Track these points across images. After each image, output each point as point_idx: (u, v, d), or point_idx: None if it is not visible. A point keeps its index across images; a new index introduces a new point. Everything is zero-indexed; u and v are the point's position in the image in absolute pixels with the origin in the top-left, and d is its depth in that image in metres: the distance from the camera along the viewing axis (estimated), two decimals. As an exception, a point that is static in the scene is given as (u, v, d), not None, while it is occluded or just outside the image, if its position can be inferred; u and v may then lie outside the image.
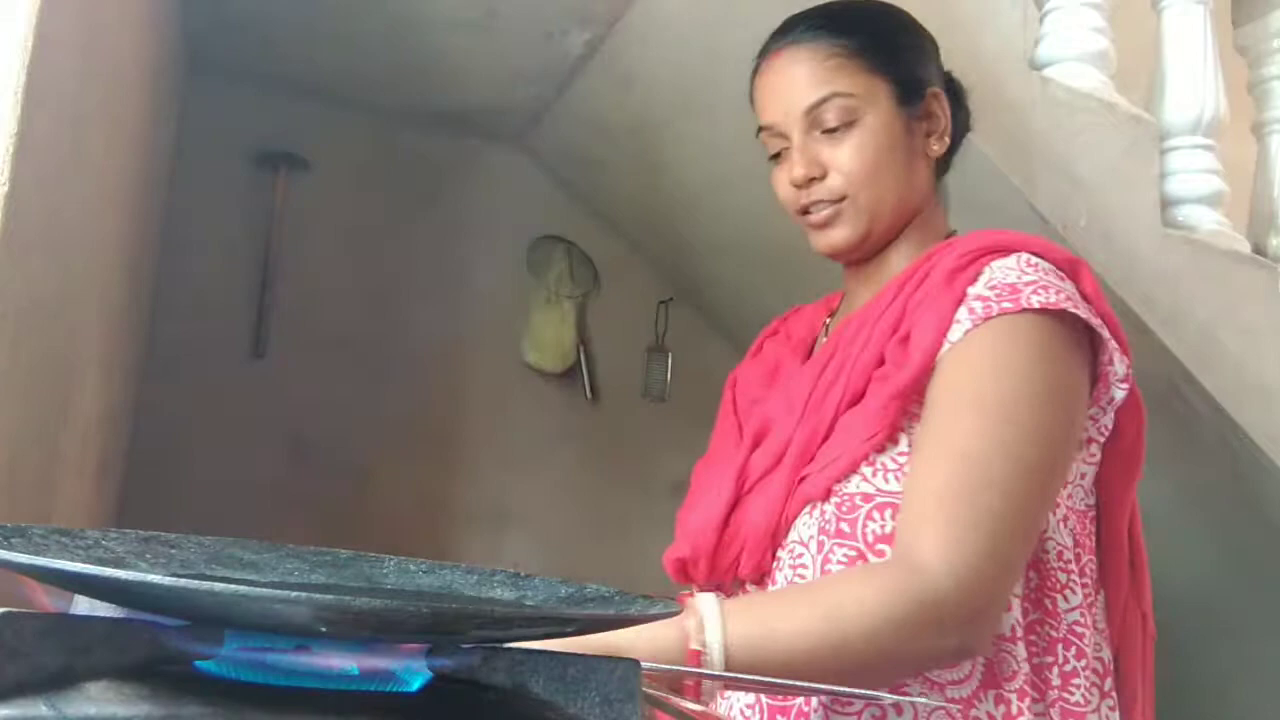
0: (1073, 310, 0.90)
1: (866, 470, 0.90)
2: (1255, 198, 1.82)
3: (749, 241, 2.15)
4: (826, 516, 0.90)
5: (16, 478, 0.98)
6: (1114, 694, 0.93)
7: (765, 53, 1.04)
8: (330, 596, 0.39)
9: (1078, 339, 0.92)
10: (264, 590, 0.38)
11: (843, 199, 0.98)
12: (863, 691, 0.84)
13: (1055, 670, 0.89)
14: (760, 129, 1.03)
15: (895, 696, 0.85)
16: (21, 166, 0.82)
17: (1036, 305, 0.88)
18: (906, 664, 0.84)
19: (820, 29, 1.00)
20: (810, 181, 0.99)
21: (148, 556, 0.54)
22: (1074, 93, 1.56)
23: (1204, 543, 1.70)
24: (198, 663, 0.43)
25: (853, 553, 0.88)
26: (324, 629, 0.39)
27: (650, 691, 0.60)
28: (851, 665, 0.79)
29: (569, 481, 2.47)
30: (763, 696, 0.90)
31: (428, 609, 0.42)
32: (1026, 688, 0.87)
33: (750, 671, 0.77)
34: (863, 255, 1.03)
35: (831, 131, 0.98)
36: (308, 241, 2.29)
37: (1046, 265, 0.94)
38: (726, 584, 1.00)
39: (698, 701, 0.87)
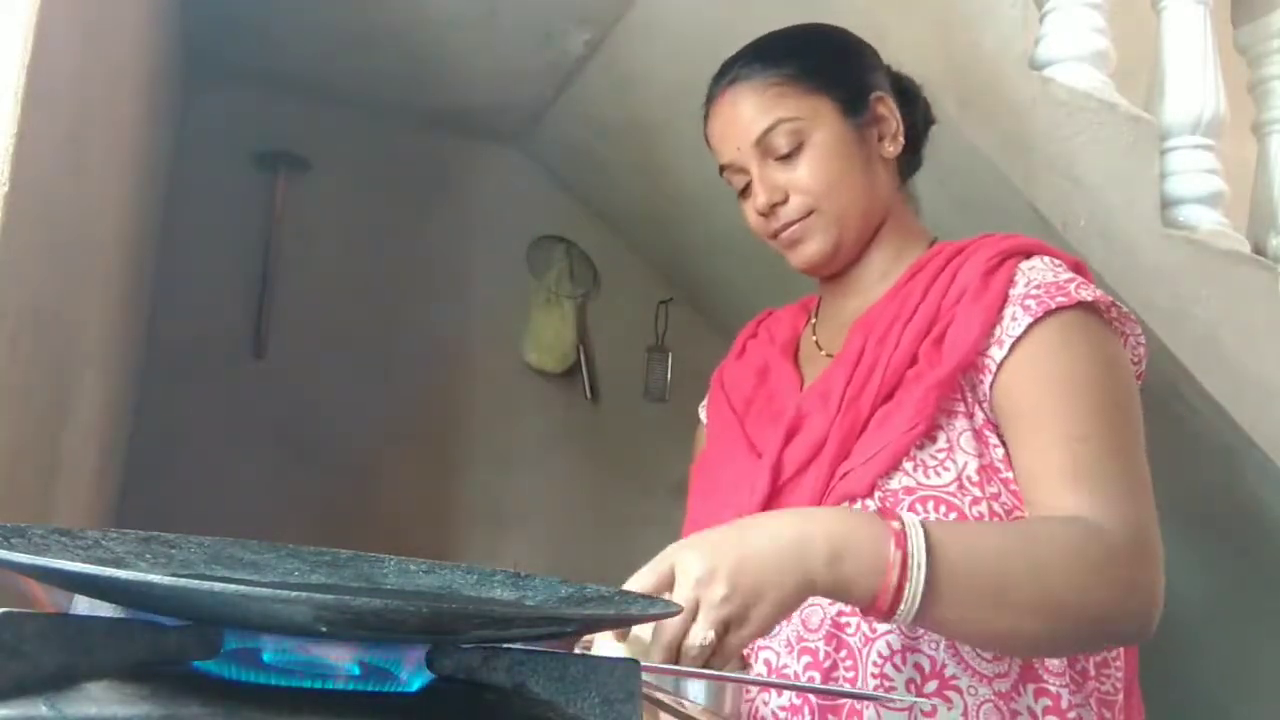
0: (1113, 302, 0.95)
1: (908, 465, 0.91)
2: (1255, 198, 1.82)
3: (749, 241, 2.12)
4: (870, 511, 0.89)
5: (16, 478, 0.98)
6: (1135, 680, 0.95)
7: (710, 98, 1.07)
8: (330, 596, 0.39)
9: (1114, 329, 0.97)
10: (264, 590, 0.38)
11: (809, 214, 1.03)
12: (856, 690, 0.84)
13: (1090, 661, 0.91)
14: (721, 170, 1.07)
15: (892, 696, 0.85)
16: (21, 166, 0.82)
17: (1089, 298, 0.93)
18: (1092, 610, 0.82)
19: (756, 63, 1.04)
20: (774, 207, 1.03)
21: (148, 556, 0.54)
22: (1074, 93, 1.56)
23: (1204, 543, 1.70)
24: (198, 663, 0.42)
25: None
26: (324, 629, 0.39)
27: (650, 692, 0.60)
28: (1045, 592, 0.80)
29: (569, 481, 2.47)
30: (811, 697, 0.89)
31: (428, 609, 0.42)
32: (1067, 680, 0.88)
33: (950, 578, 0.77)
34: (840, 264, 1.07)
35: (785, 157, 1.02)
36: (308, 241, 2.29)
37: (1066, 264, 0.99)
38: None
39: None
